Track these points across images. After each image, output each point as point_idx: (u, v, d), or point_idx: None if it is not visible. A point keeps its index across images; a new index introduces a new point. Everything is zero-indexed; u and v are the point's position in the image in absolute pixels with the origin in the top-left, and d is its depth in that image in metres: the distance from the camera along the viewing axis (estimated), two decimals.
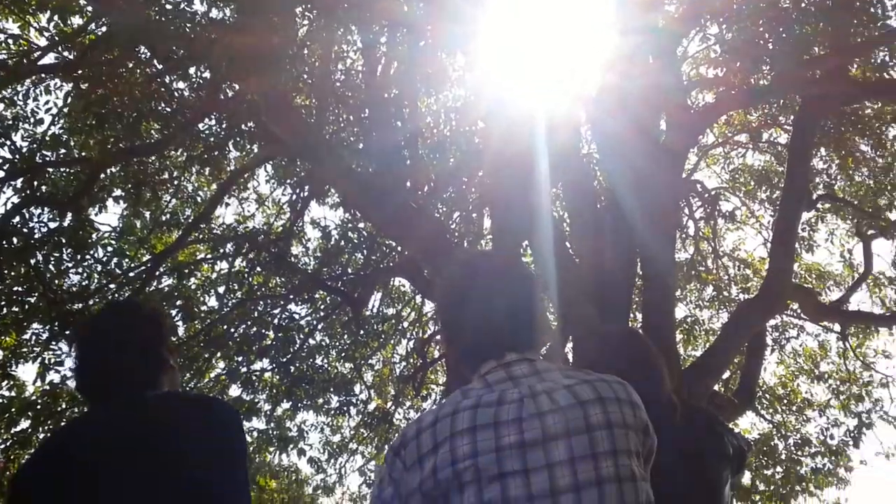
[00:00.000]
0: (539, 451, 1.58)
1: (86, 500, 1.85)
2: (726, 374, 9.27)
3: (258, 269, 8.92)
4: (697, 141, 9.25)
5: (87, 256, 7.73)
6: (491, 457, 1.57)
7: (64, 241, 7.25)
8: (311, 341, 9.73)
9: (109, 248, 8.24)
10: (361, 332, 9.94)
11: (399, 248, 8.84)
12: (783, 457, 11.07)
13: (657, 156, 6.83)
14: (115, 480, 1.85)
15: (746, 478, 11.45)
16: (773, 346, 11.38)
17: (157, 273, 8.14)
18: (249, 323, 8.96)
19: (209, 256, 9.17)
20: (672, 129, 7.24)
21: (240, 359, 9.00)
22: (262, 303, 9.17)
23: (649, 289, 6.78)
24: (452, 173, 8.21)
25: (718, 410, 8.17)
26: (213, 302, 9.09)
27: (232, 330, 8.89)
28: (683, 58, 8.91)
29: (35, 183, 7.43)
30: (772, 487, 11.00)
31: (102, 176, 7.85)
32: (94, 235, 7.79)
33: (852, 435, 10.63)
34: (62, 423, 7.47)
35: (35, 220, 7.40)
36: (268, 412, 9.81)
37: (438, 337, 10.33)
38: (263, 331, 8.93)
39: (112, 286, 8.00)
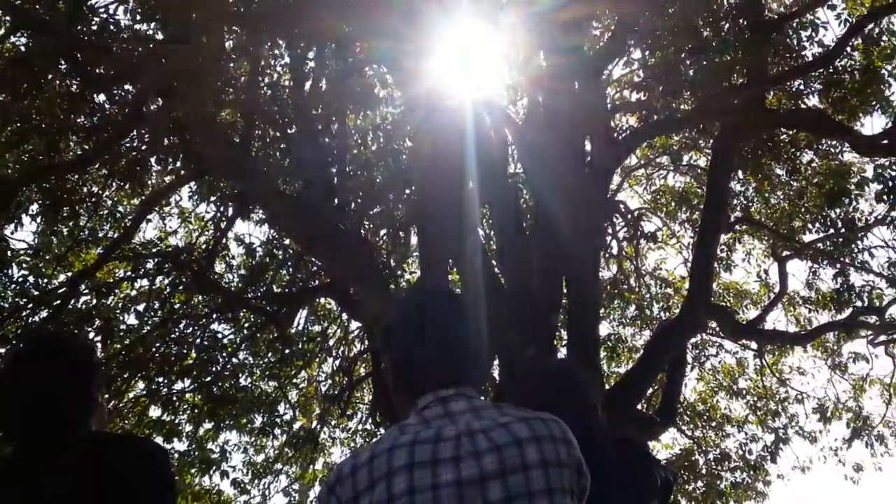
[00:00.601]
0: (476, 489, 1.58)
1: None
2: (649, 391, 9.45)
3: (180, 287, 8.70)
4: (621, 162, 9.44)
5: (2, 275, 7.46)
6: (427, 495, 1.57)
7: None
8: (235, 360, 9.55)
9: (24, 266, 7.97)
10: (287, 350, 9.79)
11: (325, 267, 8.76)
12: (703, 471, 11.33)
13: (584, 175, 6.95)
14: None
15: None
16: (692, 363, 11.67)
17: (76, 292, 7.86)
18: (170, 342, 8.75)
19: (129, 274, 8.92)
20: (598, 149, 7.38)
21: (160, 379, 8.77)
22: (183, 322, 8.95)
23: (574, 307, 6.88)
24: (380, 191, 8.18)
25: (641, 427, 8.34)
26: (132, 321, 8.86)
27: (153, 349, 8.65)
28: (608, 81, 9.11)
29: None
30: (693, 503, 11.23)
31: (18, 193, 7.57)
32: (8, 253, 7.52)
33: (770, 450, 10.96)
34: None
35: None
36: (189, 433, 9.58)
37: (365, 356, 10.28)
38: (185, 350, 8.74)
39: (29, 306, 7.72)
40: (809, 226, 9.98)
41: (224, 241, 9.38)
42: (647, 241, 10.61)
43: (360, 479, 1.64)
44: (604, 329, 11.61)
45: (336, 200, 7.24)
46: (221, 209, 8.99)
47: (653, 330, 10.84)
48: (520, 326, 6.01)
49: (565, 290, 7.04)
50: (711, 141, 8.86)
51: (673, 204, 11.52)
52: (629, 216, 10.85)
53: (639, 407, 8.10)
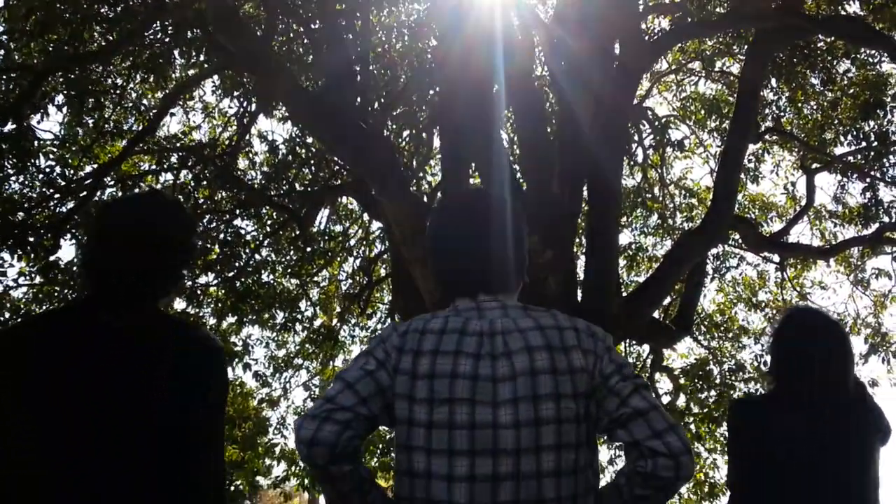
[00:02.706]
0: (488, 386, 1.72)
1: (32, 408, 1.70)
2: (666, 301, 9.48)
3: (204, 182, 8.74)
4: (651, 66, 9.23)
5: (29, 165, 7.50)
6: (445, 381, 1.73)
7: (5, 148, 7.01)
8: (257, 257, 9.66)
9: (51, 157, 8.01)
10: (308, 249, 9.89)
11: (347, 167, 8.74)
12: (718, 381, 11.44)
13: (612, 78, 6.80)
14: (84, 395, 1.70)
15: (681, 400, 11.89)
16: (713, 274, 11.66)
17: (101, 183, 7.92)
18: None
19: (153, 167, 8.96)
20: (627, 52, 7.18)
21: (185, 272, 8.91)
22: (207, 217, 9.03)
23: (595, 214, 6.84)
24: (404, 91, 8.07)
25: (657, 337, 8.42)
26: None
27: None
28: None
29: None
30: (705, 410, 11.40)
31: (44, 83, 7.55)
32: (35, 143, 7.55)
33: None
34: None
35: None
36: (213, 326, 9.79)
37: (385, 256, 10.37)
38: (209, 245, 8.84)
39: (55, 196, 7.80)
40: (841, 138, 9.78)
41: (247, 137, 9.37)
42: (674, 149, 10.45)
43: (396, 343, 1.82)
44: (625, 237, 11.60)
45: (359, 99, 7.14)
46: (244, 105, 8.94)
47: (674, 240, 10.80)
48: (539, 231, 6.00)
49: (586, 196, 6.99)
50: (745, 46, 8.60)
51: (702, 112, 11.30)
52: (656, 123, 10.68)
53: (655, 315, 8.13)
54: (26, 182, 7.79)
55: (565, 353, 1.75)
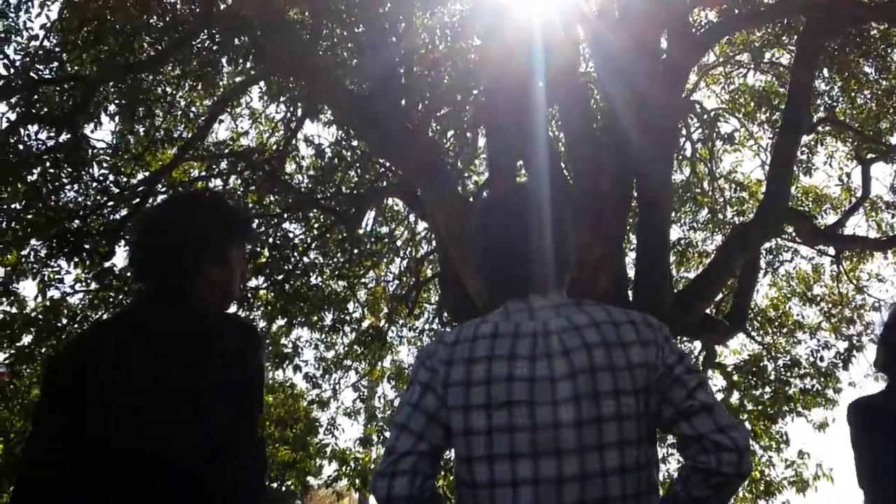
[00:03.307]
0: (546, 385, 1.70)
1: (84, 402, 1.73)
2: (718, 297, 9.33)
3: (252, 187, 8.86)
4: (699, 60, 9.09)
5: (83, 173, 7.68)
6: (503, 385, 1.71)
7: (60, 157, 7.18)
8: (306, 259, 9.76)
9: (105, 165, 8.19)
10: (355, 250, 9.95)
11: (393, 168, 8.78)
12: (772, 377, 11.24)
13: (658, 74, 6.71)
14: (116, 388, 1.71)
15: (735, 397, 11.70)
16: (766, 269, 11.47)
17: (153, 190, 8.08)
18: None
19: (203, 174, 9.11)
20: (673, 47, 7.09)
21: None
22: (256, 221, 9.15)
23: (645, 210, 6.76)
24: (447, 92, 8.08)
25: (709, 333, 8.29)
26: None
27: None
28: None
29: (31, 100, 7.32)
30: (760, 407, 11.21)
31: (97, 93, 7.73)
32: (89, 152, 7.72)
33: (842, 357, 10.78)
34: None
35: (32, 137, 7.33)
36: (263, 329, 9.91)
37: (432, 257, 10.39)
38: (258, 248, 8.95)
39: (109, 203, 7.97)
40: None
41: (294, 141, 9.47)
42: (724, 142, 10.28)
43: (443, 356, 1.81)
44: (675, 233, 11.46)
45: (403, 101, 7.17)
46: (291, 110, 9.04)
47: (725, 235, 10.64)
48: (587, 227, 5.95)
49: (635, 193, 6.92)
50: (795, 37, 8.43)
51: (752, 104, 11.12)
52: (705, 116, 10.53)
53: (707, 312, 7.99)
54: (81, 190, 7.97)
55: (623, 349, 1.73)
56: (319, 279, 10.28)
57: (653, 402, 1.73)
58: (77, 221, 7.55)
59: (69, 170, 7.33)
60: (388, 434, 1.82)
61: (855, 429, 2.73)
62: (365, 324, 11.35)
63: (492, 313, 1.90)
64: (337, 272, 10.33)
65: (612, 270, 6.11)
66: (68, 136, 7.16)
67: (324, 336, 11.22)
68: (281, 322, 9.87)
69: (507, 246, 1.90)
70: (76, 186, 7.87)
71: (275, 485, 13.42)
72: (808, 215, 9.75)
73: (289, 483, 12.65)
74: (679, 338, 9.90)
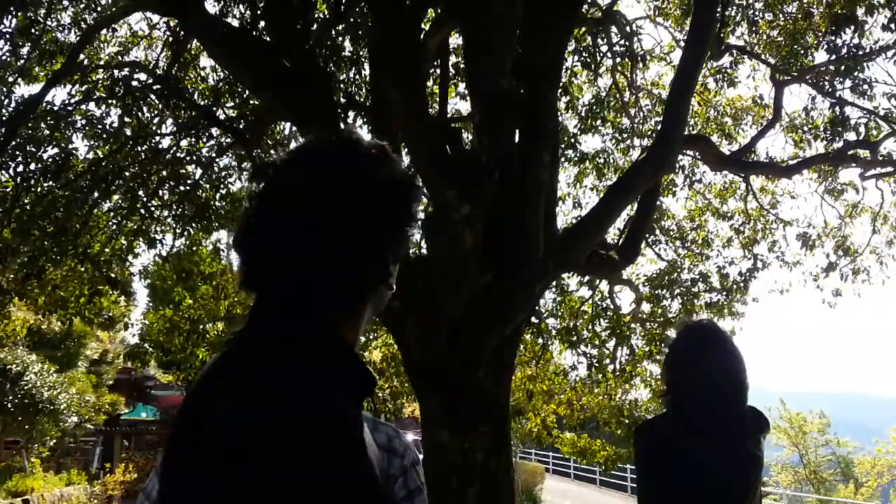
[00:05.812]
0: None
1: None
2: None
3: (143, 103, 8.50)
4: None
5: None
6: None
7: None
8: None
9: None
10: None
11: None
12: (681, 291, 11.46)
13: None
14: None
15: (645, 307, 11.96)
16: (683, 184, 11.44)
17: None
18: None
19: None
20: None
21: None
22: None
23: (520, 154, 6.55)
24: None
25: (597, 269, 8.30)
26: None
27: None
28: None
29: None
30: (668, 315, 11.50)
31: None
32: None
33: (744, 276, 10.98)
34: None
35: None
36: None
37: None
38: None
39: None
40: (812, 51, 9.35)
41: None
42: (635, 62, 10.00)
43: None
44: (595, 143, 11.32)
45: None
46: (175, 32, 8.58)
47: (643, 147, 10.46)
48: (455, 185, 5.83)
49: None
50: None
51: (679, 12, 10.74)
52: (628, 29, 10.17)
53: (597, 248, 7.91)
54: None
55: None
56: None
57: None
58: None
59: None
60: None
61: (638, 453, 2.77)
62: None
63: None
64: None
65: (480, 226, 6.03)
66: None
67: None
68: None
69: None
70: None
71: None
72: (712, 141, 9.38)
73: None
74: (570, 274, 9.97)
